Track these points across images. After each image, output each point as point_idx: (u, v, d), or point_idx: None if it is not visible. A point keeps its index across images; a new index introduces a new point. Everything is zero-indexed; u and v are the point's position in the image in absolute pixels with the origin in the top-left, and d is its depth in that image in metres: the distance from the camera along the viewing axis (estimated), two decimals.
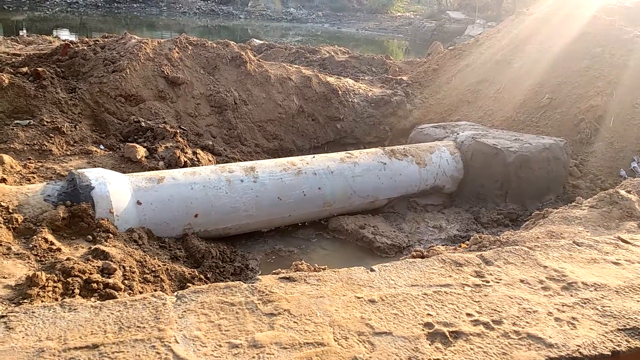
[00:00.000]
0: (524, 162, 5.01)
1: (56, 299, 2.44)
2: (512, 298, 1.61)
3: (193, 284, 2.90)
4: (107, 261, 2.72)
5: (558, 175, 5.28)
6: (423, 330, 1.50)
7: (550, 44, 7.28)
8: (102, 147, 4.96)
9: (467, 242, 3.16)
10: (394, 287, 1.73)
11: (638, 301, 1.63)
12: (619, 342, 1.46)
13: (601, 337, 1.47)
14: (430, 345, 1.44)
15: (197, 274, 3.06)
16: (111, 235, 3.03)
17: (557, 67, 6.85)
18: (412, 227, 4.68)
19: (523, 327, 1.49)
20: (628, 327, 1.52)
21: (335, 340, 1.44)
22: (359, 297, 1.67)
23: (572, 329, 1.49)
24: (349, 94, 7.23)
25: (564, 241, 1.98)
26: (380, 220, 4.70)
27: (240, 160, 5.26)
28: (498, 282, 1.69)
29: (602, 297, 1.60)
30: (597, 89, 6.43)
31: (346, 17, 35.14)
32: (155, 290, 2.72)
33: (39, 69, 5.21)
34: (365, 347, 1.42)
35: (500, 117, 6.68)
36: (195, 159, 4.68)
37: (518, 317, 1.54)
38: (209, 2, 35.66)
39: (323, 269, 2.74)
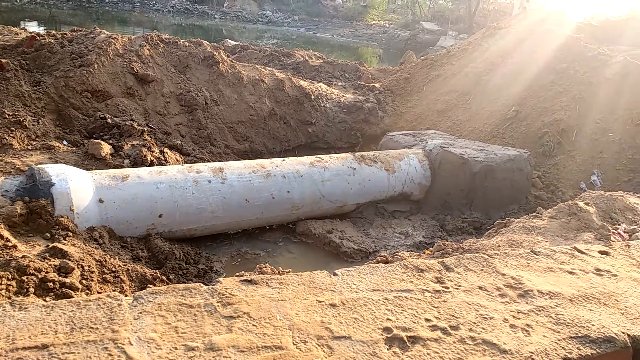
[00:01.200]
0: (489, 172, 5.12)
1: (9, 298, 2.35)
2: (470, 304, 1.63)
3: (154, 285, 2.84)
4: (64, 260, 2.64)
5: (521, 185, 5.42)
6: (382, 334, 1.51)
7: (518, 58, 7.50)
8: (65, 142, 4.81)
9: (431, 248, 3.21)
10: (356, 292, 1.73)
11: (590, 310, 1.68)
12: (570, 349, 1.50)
13: (554, 344, 1.51)
14: (388, 349, 1.45)
15: (159, 275, 3.00)
16: (70, 234, 2.94)
17: (524, 80, 7.05)
18: (379, 232, 4.72)
19: (479, 333, 1.52)
20: (580, 335, 1.56)
21: (294, 344, 1.43)
22: (320, 301, 1.67)
23: (526, 336, 1.53)
24: (321, 98, 7.25)
25: (523, 250, 2.03)
26: (348, 225, 4.72)
27: (209, 161, 5.20)
28: (457, 289, 1.72)
29: (556, 305, 1.65)
30: (562, 104, 6.65)
31: (322, 22, 35.33)
32: (114, 291, 2.64)
33: (3, 60, 5.02)
34: (323, 351, 1.42)
35: (469, 128, 6.82)
36: (163, 158, 4.59)
37: (475, 323, 1.57)
38: (183, 0, 35.25)
39: (287, 272, 2.73)
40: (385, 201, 5.21)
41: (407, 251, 3.66)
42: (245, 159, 5.45)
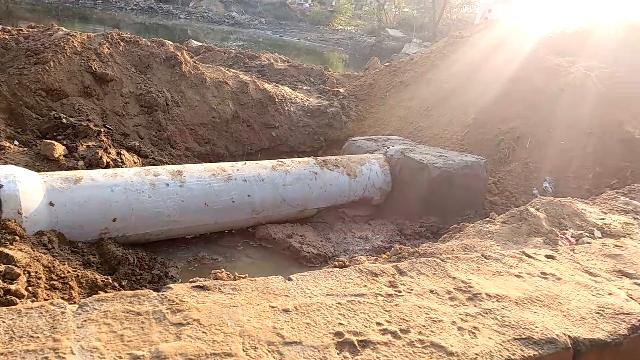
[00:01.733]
0: (447, 177, 5.23)
1: None
2: (420, 308, 1.66)
3: (106, 292, 2.76)
4: (10, 265, 2.53)
5: (478, 191, 5.57)
6: (333, 339, 1.52)
7: (478, 67, 7.71)
8: (16, 142, 4.63)
9: (388, 252, 3.25)
10: (310, 297, 1.74)
11: (534, 312, 1.74)
12: (514, 350, 1.55)
13: (498, 345, 1.56)
14: (338, 354, 1.46)
15: (110, 281, 2.91)
16: (17, 238, 2.82)
17: (483, 89, 7.25)
18: (339, 237, 4.74)
19: (428, 336, 1.55)
20: (523, 336, 1.62)
21: (244, 351, 1.42)
22: (273, 307, 1.66)
23: (472, 338, 1.57)
24: (285, 102, 7.25)
25: (474, 254, 2.08)
26: (308, 230, 4.72)
27: (169, 164, 5.11)
28: (409, 292, 1.74)
29: (503, 308, 1.70)
30: (518, 112, 6.88)
31: (289, 26, 35.36)
32: (62, 298, 2.55)
33: None
34: (273, 357, 1.41)
35: (429, 134, 6.96)
36: (119, 160, 4.48)
37: (424, 326, 1.60)
38: None
39: (242, 278, 2.70)
40: (346, 205, 5.25)
41: (366, 255, 3.70)
42: (206, 162, 5.38)
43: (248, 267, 3.80)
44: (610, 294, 1.80)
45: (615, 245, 2.29)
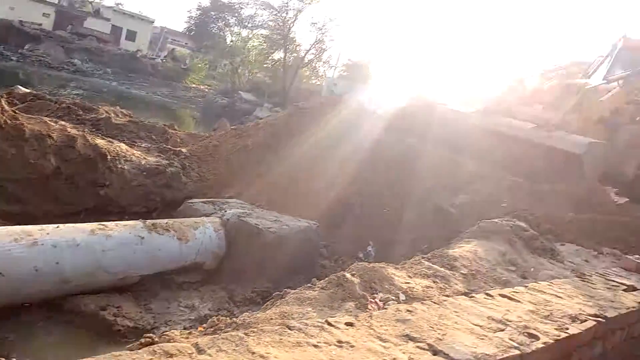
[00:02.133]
0: (281, 242, 5.37)
1: None
2: None
3: None
4: None
5: (310, 255, 5.80)
6: None
7: (313, 134, 8.29)
8: None
9: (204, 325, 3.14)
10: None
11: None
12: None
13: None
14: None
15: None
16: None
17: (317, 156, 7.76)
18: (163, 306, 4.46)
19: None
20: None
21: None
22: None
23: None
24: (119, 159, 6.83)
25: (278, 326, 2.11)
26: (127, 300, 4.36)
27: None
28: None
29: None
30: (350, 180, 7.47)
31: (138, 79, 34.13)
32: None
33: None
34: None
35: (266, 198, 7.14)
36: None
37: None
38: None
39: None
40: (175, 272, 5.00)
41: (188, 326, 3.52)
42: (15, 224, 4.72)
43: (47, 347, 3.32)
44: (394, 358, 1.96)
45: (407, 310, 2.53)
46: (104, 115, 9.30)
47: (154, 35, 50.08)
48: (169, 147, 8.47)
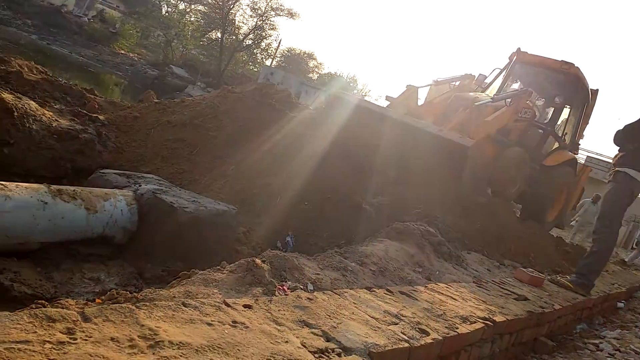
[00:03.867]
0: (197, 223, 5.26)
1: None
2: (92, 356, 1.56)
3: None
4: None
5: (226, 239, 5.72)
6: None
7: (243, 122, 8.18)
8: None
9: (103, 297, 3.02)
10: None
11: (211, 359, 1.81)
12: None
13: None
14: None
15: None
16: None
17: (245, 140, 7.68)
18: (65, 277, 4.23)
19: None
20: None
21: None
22: None
23: None
24: (27, 118, 6.33)
25: (173, 301, 2.08)
26: (27, 266, 4.09)
27: None
28: (86, 340, 1.62)
29: (181, 356, 1.72)
30: (276, 169, 7.46)
31: (61, 36, 31.68)
32: None
33: None
34: None
35: (189, 178, 6.96)
36: None
37: None
38: None
39: None
40: (81, 243, 4.74)
41: (91, 299, 3.36)
42: None
43: None
44: (286, 341, 2.01)
45: (308, 298, 2.59)
46: (15, 69, 8.55)
47: None
48: (85, 111, 7.96)
